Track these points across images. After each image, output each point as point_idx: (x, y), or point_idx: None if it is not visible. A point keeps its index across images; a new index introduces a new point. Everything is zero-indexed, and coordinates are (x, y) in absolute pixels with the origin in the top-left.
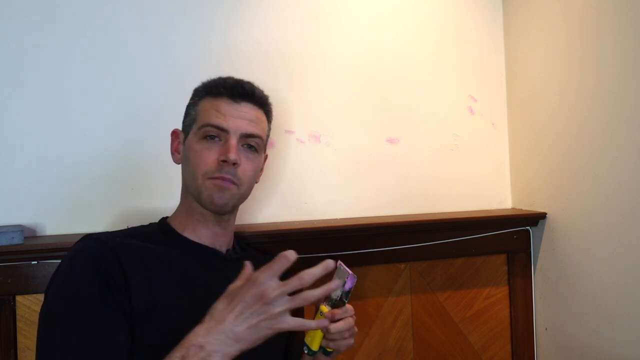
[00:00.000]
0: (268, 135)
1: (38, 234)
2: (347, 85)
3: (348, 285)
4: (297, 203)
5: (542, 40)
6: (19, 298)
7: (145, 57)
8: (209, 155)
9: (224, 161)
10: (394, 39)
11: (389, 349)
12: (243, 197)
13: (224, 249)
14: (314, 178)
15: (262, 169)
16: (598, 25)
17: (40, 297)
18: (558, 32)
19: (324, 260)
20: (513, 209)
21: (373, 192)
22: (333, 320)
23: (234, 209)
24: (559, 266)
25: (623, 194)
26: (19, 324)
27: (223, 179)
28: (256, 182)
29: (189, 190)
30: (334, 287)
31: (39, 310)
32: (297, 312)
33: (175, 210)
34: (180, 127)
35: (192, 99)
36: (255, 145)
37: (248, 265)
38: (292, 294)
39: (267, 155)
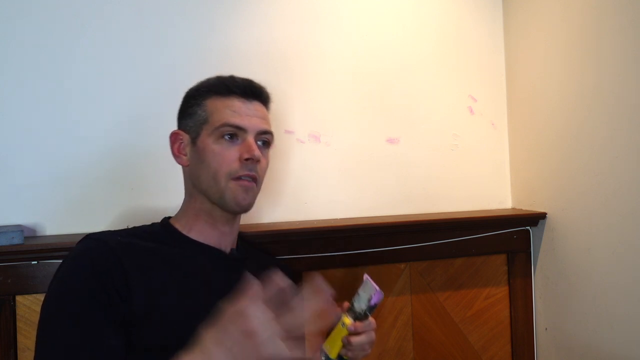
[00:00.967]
0: None
1: (38, 234)
2: (347, 85)
3: (374, 301)
4: (297, 203)
5: (542, 40)
6: (19, 298)
7: (145, 57)
8: (230, 155)
9: (248, 159)
10: (394, 39)
11: (389, 349)
12: (258, 193)
13: (228, 249)
14: (314, 178)
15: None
16: (598, 25)
17: (40, 297)
18: (558, 32)
19: (312, 280)
20: (513, 209)
21: (373, 192)
22: (355, 333)
23: (250, 209)
24: (559, 266)
25: (623, 194)
26: (19, 324)
27: (249, 176)
28: None
29: (207, 192)
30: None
31: (40, 309)
32: None
33: (180, 211)
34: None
35: (193, 99)
36: (268, 141)
37: (251, 286)
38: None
39: None
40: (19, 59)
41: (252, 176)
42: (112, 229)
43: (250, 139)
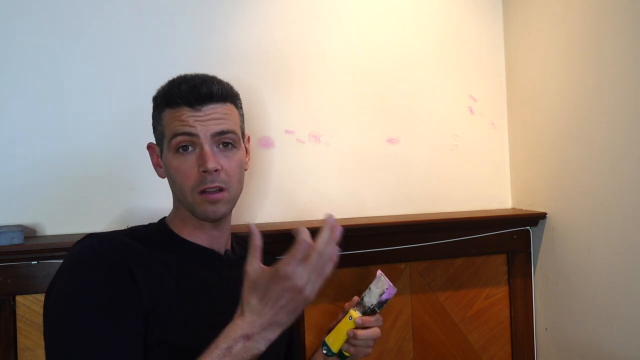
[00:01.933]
0: (243, 122)
1: (38, 234)
2: (347, 85)
3: (385, 297)
4: (297, 203)
5: (542, 40)
6: (19, 298)
7: (145, 57)
8: (188, 168)
9: (205, 171)
10: (394, 39)
11: (389, 349)
12: (236, 197)
13: (222, 250)
14: (314, 178)
15: (248, 157)
16: (598, 25)
17: (41, 297)
18: (558, 32)
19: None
20: (513, 209)
21: (373, 192)
22: (362, 327)
23: (229, 213)
24: (559, 266)
25: (623, 194)
26: (19, 324)
27: (211, 189)
28: (245, 170)
29: (182, 205)
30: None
31: (43, 311)
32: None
33: (171, 214)
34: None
35: (154, 110)
36: (231, 141)
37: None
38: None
39: (249, 137)
40: (19, 59)
41: (215, 187)
42: (112, 229)
43: (206, 147)
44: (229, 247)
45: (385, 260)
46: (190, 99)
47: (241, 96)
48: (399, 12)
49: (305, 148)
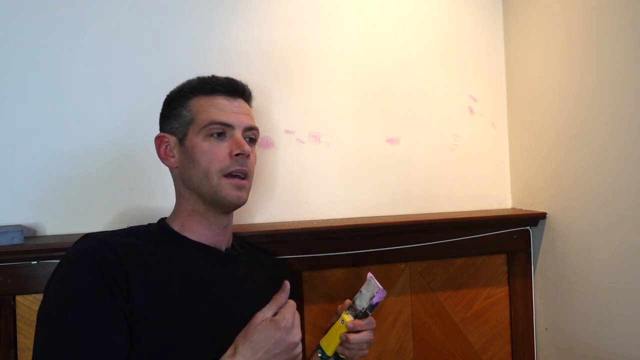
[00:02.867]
0: None
1: (38, 234)
2: (347, 85)
3: (375, 300)
4: (297, 203)
5: (542, 40)
6: (19, 298)
7: (145, 57)
8: (220, 152)
9: (238, 154)
10: (394, 39)
11: (389, 349)
12: (249, 190)
13: (223, 248)
14: (314, 178)
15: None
16: (598, 25)
17: (41, 297)
18: (558, 32)
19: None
20: (513, 209)
21: (373, 192)
22: (354, 331)
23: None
24: (559, 266)
25: (623, 194)
26: (19, 324)
27: (240, 171)
28: None
29: (200, 191)
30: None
31: (39, 308)
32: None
33: (173, 212)
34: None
35: (176, 100)
36: (254, 137)
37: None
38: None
39: None
40: (19, 59)
41: (243, 172)
42: (111, 229)
43: (238, 135)
44: (230, 245)
45: (385, 260)
46: (229, 88)
47: None
48: (399, 12)
49: (305, 148)
